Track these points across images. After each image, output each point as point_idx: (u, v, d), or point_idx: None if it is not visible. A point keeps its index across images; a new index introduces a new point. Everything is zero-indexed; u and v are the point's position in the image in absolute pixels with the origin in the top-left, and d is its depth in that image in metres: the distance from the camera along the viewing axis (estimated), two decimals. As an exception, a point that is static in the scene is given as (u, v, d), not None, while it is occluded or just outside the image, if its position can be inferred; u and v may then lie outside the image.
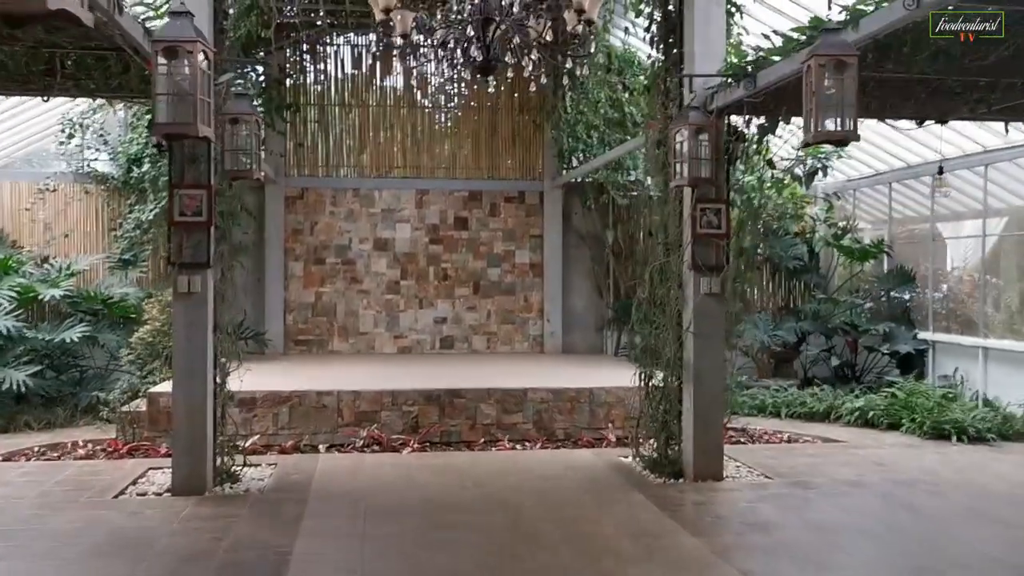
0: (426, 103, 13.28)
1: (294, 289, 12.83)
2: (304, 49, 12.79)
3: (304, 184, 12.90)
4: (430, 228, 13.13)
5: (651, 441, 7.71)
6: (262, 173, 6.77)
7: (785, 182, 11.86)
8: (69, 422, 9.74)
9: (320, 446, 8.59)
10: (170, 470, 6.84)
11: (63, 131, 11.73)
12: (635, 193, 12.42)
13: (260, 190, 12.51)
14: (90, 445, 8.57)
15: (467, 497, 6.72)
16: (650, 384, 7.74)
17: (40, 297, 10.33)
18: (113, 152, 11.93)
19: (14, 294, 10.11)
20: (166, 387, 8.33)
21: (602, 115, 11.94)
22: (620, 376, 10.01)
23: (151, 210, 11.26)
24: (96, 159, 12.05)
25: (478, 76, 5.40)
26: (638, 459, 7.78)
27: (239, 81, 6.68)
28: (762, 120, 6.99)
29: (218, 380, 7.05)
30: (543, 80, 5.83)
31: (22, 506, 6.30)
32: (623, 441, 8.82)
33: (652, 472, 7.46)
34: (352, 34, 12.89)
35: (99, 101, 11.50)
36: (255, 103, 8.09)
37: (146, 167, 11.32)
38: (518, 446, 8.75)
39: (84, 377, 10.69)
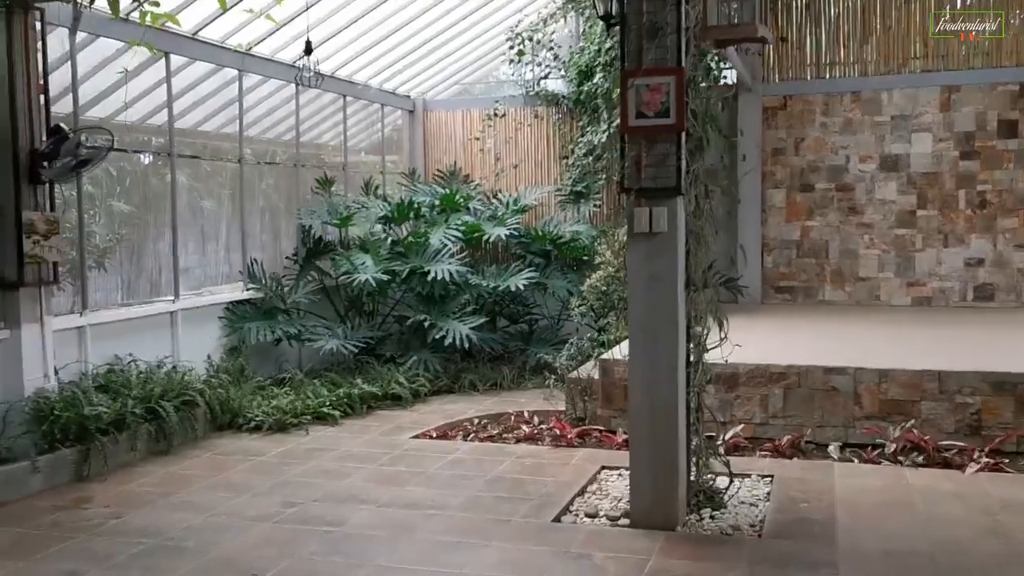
0: (957, -35, 9.71)
1: (774, 223, 10.25)
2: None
3: (787, 91, 10.17)
4: (961, 138, 9.64)
5: None
6: (766, 33, 4.27)
7: None
8: (516, 384, 8.34)
9: (830, 446, 6.04)
10: (627, 473, 4.83)
11: (511, 47, 10.33)
12: None
13: (731, 101, 10.06)
14: (535, 419, 6.98)
15: None
16: None
17: (485, 237, 9.04)
18: (564, 66, 10.28)
19: (460, 234, 8.92)
20: (621, 352, 6.39)
21: None
22: None
23: (604, 131, 9.40)
24: (547, 76, 10.50)
25: None
26: None
27: None
28: None
29: (692, 357, 4.85)
30: None
31: (439, 526, 4.68)
32: None
33: None
34: None
35: (547, 9, 9.93)
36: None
37: (598, 77, 9.45)
38: None
39: (533, 330, 9.27)
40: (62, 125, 5.68)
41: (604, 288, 8.14)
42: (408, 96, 11.02)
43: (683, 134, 4.52)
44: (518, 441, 6.51)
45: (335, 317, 9.05)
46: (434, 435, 6.70)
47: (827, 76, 10.14)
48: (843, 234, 10.04)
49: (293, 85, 8.82)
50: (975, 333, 7.86)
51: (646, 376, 4.59)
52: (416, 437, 6.64)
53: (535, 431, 6.69)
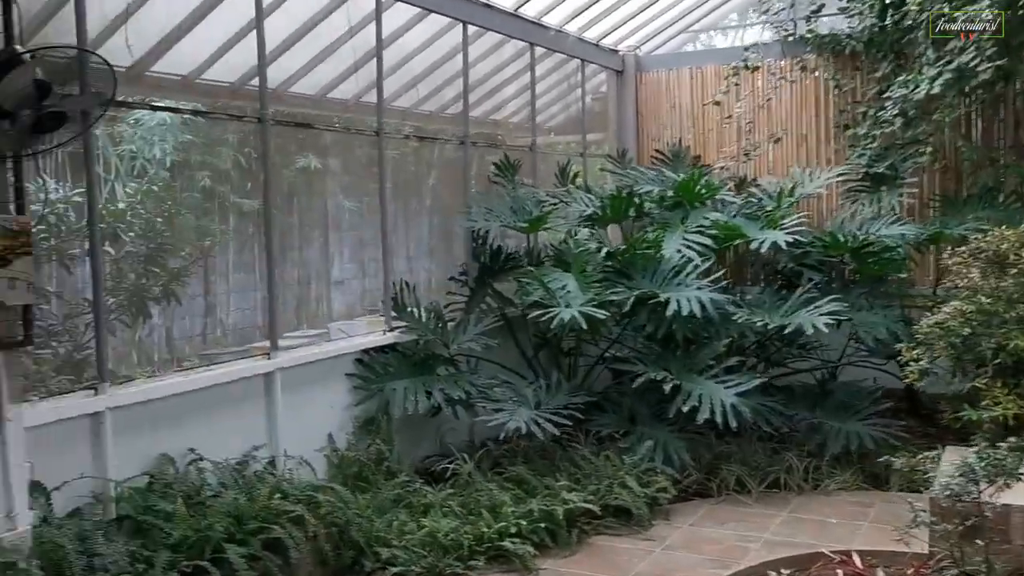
0: None
1: None
2: None
3: None
4: None
5: None
6: None
7: None
8: (811, 480, 5.14)
9: None
10: None
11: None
12: None
13: None
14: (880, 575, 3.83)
15: None
16: None
17: (755, 246, 5.82)
18: (850, -8, 6.97)
19: (708, 240, 5.82)
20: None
21: None
22: None
23: (932, 77, 5.99)
24: (820, 8, 7.21)
25: None
26: None
27: None
28: None
29: None
30: None
31: None
32: None
33: None
34: None
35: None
36: None
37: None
38: None
39: (827, 389, 5.95)
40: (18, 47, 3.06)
41: (966, 331, 4.84)
42: (615, 51, 8.03)
43: None
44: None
45: (519, 361, 6.18)
46: (707, 617, 3.65)
47: None
48: None
49: (460, 26, 6.04)
50: None
51: None
52: (675, 621, 3.63)
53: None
